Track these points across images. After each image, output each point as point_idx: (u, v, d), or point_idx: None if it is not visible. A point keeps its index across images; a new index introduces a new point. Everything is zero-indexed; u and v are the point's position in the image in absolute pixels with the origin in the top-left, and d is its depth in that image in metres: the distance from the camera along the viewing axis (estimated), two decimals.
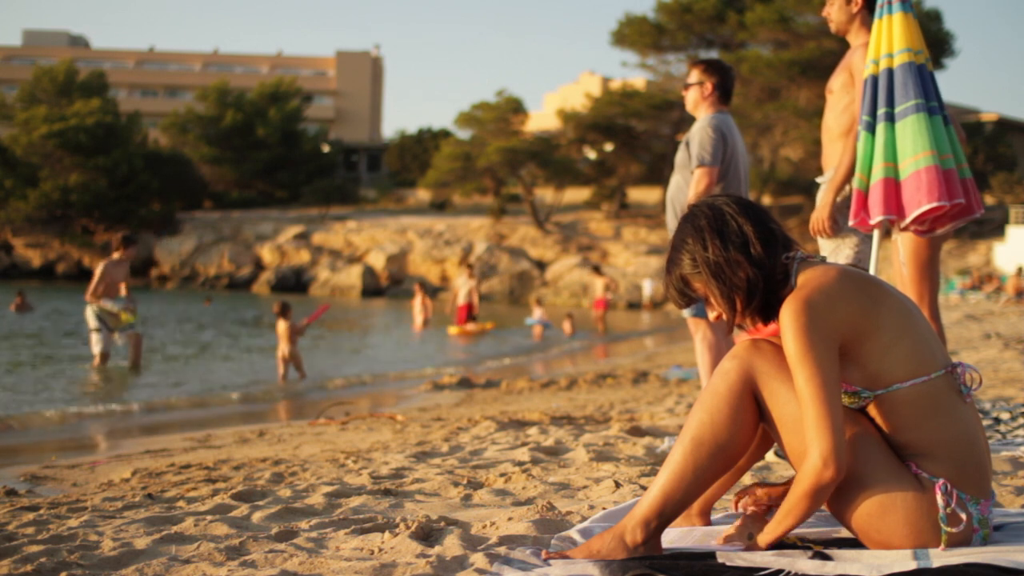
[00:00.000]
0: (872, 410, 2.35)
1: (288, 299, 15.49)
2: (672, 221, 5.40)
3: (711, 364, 5.17)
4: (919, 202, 3.95)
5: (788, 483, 2.57)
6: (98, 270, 11.15)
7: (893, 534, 2.28)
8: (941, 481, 2.27)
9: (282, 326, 11.26)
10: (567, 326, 20.48)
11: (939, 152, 3.98)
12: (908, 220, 4.03)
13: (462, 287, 20.39)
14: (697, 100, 5.35)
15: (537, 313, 20.69)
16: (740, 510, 2.57)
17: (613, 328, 22.71)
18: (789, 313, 2.29)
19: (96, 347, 11.11)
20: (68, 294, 33.16)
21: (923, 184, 3.94)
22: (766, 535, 2.36)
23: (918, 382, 2.30)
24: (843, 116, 4.48)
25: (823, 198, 4.43)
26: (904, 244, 4.41)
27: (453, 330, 19.10)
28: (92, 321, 11.06)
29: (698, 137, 5.21)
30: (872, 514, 2.29)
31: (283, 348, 11.23)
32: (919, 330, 2.35)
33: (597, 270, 24.92)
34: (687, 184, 5.27)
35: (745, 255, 2.38)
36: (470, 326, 19.29)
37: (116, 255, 11.20)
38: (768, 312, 2.43)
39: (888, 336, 2.31)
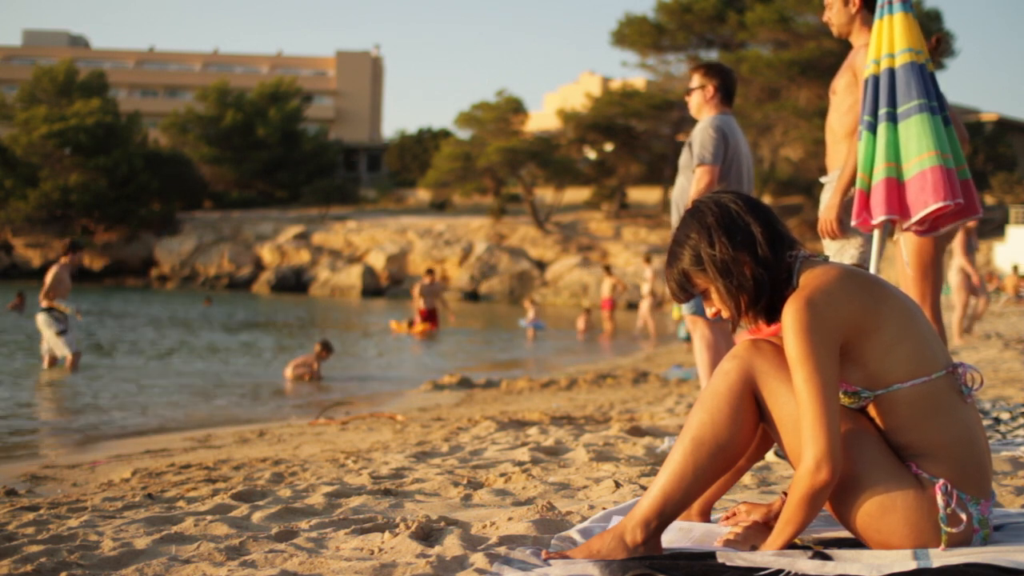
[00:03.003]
0: (872, 410, 2.35)
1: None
2: (676, 219, 5.39)
3: (710, 363, 5.18)
4: (925, 202, 3.96)
5: (770, 503, 2.60)
6: (52, 274, 11.47)
7: (893, 534, 2.28)
8: (941, 482, 2.27)
9: (306, 356, 11.52)
10: (581, 322, 20.52)
11: (941, 152, 3.99)
12: (913, 220, 4.03)
13: (422, 294, 20.10)
14: (700, 104, 5.36)
15: (530, 315, 20.59)
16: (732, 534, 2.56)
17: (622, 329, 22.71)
18: (791, 313, 2.29)
19: (67, 349, 11.22)
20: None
21: (928, 184, 3.94)
22: (768, 546, 2.35)
23: (919, 382, 2.30)
24: (847, 117, 4.48)
25: (830, 199, 4.43)
26: (907, 244, 4.41)
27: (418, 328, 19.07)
28: (56, 325, 11.25)
29: (699, 137, 5.24)
30: (872, 514, 2.28)
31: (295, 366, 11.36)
32: (920, 330, 2.34)
33: (608, 270, 24.91)
34: (691, 185, 5.28)
35: (752, 255, 2.38)
36: (415, 327, 19.23)
37: (64, 260, 11.62)
38: (771, 312, 2.42)
39: (889, 336, 2.31)
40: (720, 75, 5.34)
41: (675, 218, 5.44)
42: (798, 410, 2.28)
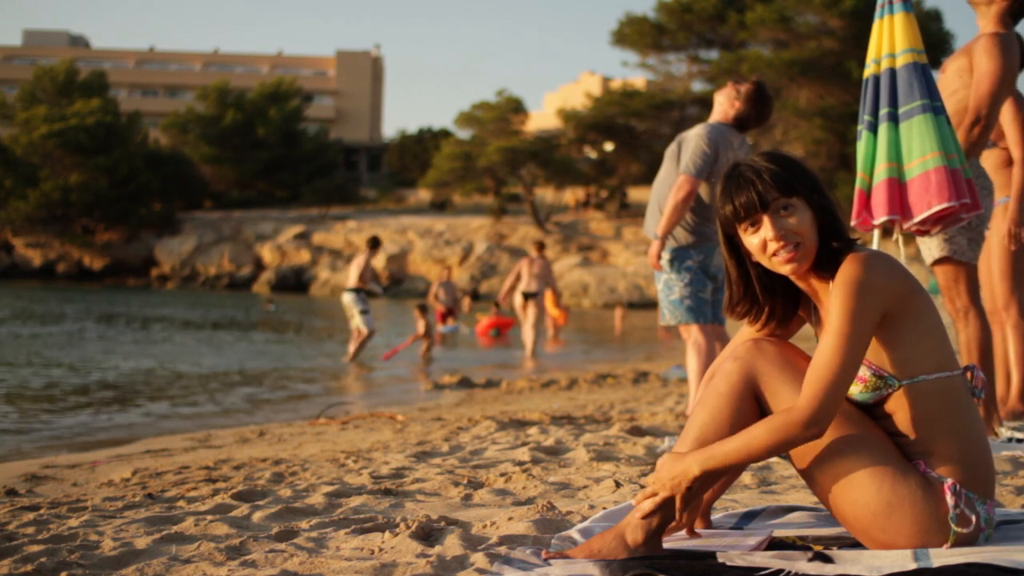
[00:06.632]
0: (891, 404, 2.33)
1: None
2: (653, 211, 5.41)
3: (701, 369, 5.21)
4: (929, 203, 3.96)
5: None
6: (361, 265, 13.63)
7: (899, 534, 2.27)
8: (950, 481, 2.27)
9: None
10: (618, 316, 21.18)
11: (945, 152, 4.00)
12: (916, 220, 4.03)
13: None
14: (723, 104, 5.38)
15: (450, 320, 19.97)
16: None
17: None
18: (848, 269, 2.29)
19: (366, 326, 13.33)
20: (76, 294, 33.08)
21: (932, 185, 3.94)
22: (701, 455, 2.32)
23: (943, 376, 2.30)
24: (950, 100, 4.40)
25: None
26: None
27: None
28: (361, 304, 13.42)
29: (692, 144, 5.25)
30: (879, 514, 2.27)
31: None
32: (943, 328, 2.36)
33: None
34: (670, 179, 5.33)
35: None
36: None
37: (366, 253, 13.79)
38: (788, 300, 2.47)
39: (924, 324, 2.31)
40: (753, 104, 5.34)
41: (652, 206, 5.44)
42: (815, 361, 2.26)
